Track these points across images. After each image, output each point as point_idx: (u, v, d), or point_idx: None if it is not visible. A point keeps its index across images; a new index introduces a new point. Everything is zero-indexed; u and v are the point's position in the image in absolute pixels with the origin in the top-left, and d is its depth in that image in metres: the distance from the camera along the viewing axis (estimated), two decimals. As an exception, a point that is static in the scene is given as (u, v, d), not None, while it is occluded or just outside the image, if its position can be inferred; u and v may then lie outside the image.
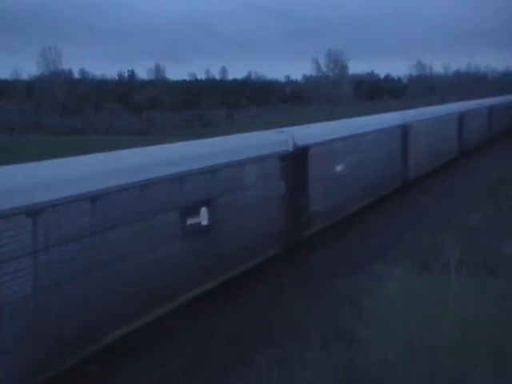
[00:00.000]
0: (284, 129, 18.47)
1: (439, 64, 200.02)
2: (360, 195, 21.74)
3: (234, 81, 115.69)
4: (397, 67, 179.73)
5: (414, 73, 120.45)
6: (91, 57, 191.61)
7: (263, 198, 15.34)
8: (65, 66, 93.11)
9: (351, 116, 28.76)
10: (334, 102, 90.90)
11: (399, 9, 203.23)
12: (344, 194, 20.20)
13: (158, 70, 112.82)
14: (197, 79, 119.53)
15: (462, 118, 37.20)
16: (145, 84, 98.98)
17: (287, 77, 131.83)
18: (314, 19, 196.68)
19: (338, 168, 19.92)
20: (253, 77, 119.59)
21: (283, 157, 16.44)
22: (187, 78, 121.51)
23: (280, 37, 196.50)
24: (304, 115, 64.78)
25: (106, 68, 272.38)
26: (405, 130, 26.31)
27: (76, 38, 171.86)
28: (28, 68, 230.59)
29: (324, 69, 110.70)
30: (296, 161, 16.97)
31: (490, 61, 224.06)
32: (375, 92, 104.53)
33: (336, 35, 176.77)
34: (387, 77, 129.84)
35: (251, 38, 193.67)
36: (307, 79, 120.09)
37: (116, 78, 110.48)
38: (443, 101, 59.28)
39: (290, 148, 16.86)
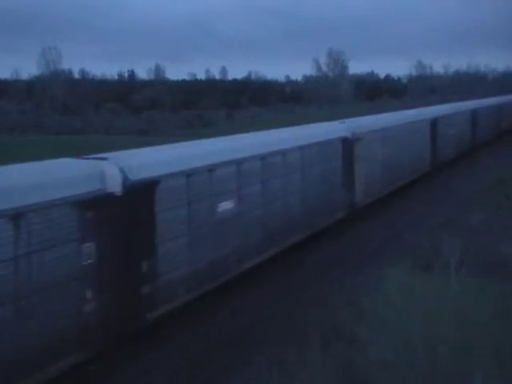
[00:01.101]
0: (113, 154, 12.41)
1: (439, 64, 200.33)
2: (267, 241, 15.60)
3: (234, 81, 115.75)
4: (397, 67, 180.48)
5: (414, 73, 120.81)
6: (91, 57, 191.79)
7: (38, 278, 9.33)
8: (65, 66, 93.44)
9: (350, 116, 28.37)
10: (334, 102, 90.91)
11: (399, 9, 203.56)
12: (235, 244, 14.20)
13: (158, 70, 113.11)
14: (197, 79, 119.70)
15: (435, 124, 31.30)
16: (145, 84, 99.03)
17: (287, 77, 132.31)
18: (314, 19, 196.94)
19: (223, 207, 13.77)
20: (253, 77, 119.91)
21: (96, 202, 10.44)
22: (187, 77, 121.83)
23: (280, 37, 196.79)
24: (304, 115, 64.77)
25: (106, 68, 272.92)
26: (349, 144, 20.59)
27: (76, 37, 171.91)
28: (28, 68, 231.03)
29: (324, 68, 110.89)
30: (130, 206, 11.06)
31: (490, 61, 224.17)
32: (375, 92, 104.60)
33: (336, 35, 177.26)
34: (387, 77, 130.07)
35: (251, 38, 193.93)
36: (307, 79, 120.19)
37: (116, 78, 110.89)
38: (443, 101, 58.76)
39: (116, 186, 10.82)
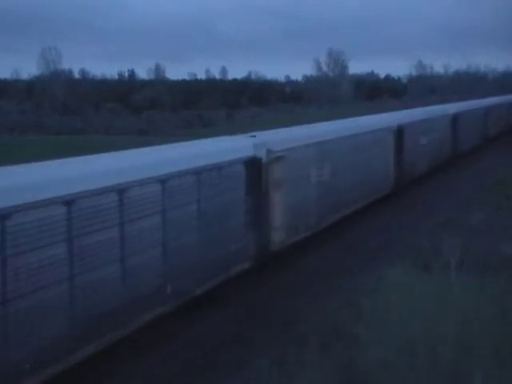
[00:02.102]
0: None
1: (439, 64, 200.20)
2: (81, 334, 10.03)
3: (234, 81, 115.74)
4: (397, 67, 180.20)
5: (414, 73, 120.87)
6: (91, 57, 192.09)
7: None
8: (65, 66, 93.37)
9: (350, 116, 28.08)
10: (334, 102, 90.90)
11: (399, 9, 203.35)
12: None
13: (158, 69, 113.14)
14: (197, 79, 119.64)
15: (401, 133, 25.74)
16: (145, 84, 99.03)
17: (287, 77, 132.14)
18: (314, 19, 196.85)
19: None
20: (253, 77, 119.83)
21: None
22: (187, 77, 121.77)
23: (280, 37, 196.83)
24: (304, 115, 64.79)
25: (106, 68, 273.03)
26: (260, 166, 15.36)
27: (76, 37, 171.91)
28: (28, 68, 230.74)
29: (324, 68, 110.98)
30: None
31: (490, 61, 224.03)
32: (375, 92, 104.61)
33: (336, 35, 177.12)
34: (387, 77, 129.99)
35: (251, 38, 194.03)
36: (307, 79, 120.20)
37: (116, 77, 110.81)
38: (443, 101, 58.50)
39: None
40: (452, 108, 36.27)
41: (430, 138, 29.95)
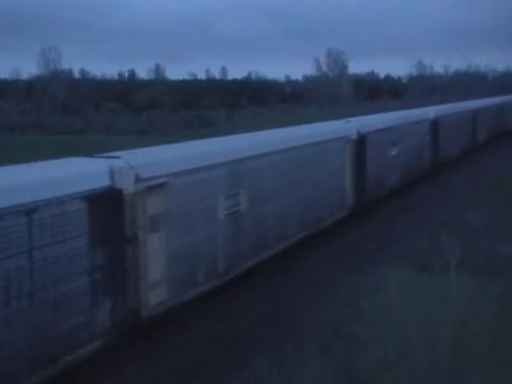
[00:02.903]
0: None
1: (439, 64, 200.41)
2: None
3: (234, 81, 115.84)
4: (397, 67, 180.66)
5: (414, 73, 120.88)
6: (91, 57, 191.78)
7: None
8: (65, 65, 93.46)
9: (350, 116, 27.42)
10: (334, 102, 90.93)
11: (399, 9, 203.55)
12: None
13: (158, 69, 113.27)
14: (197, 79, 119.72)
15: (362, 143, 21.42)
16: (145, 84, 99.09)
17: (287, 77, 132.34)
18: (314, 19, 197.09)
19: None
20: (253, 77, 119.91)
21: None
22: (187, 77, 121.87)
23: (280, 37, 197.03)
24: (304, 115, 64.79)
25: (106, 68, 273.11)
26: (121, 201, 11.01)
27: (76, 37, 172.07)
28: (28, 68, 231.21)
29: (325, 68, 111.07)
30: None
31: (490, 61, 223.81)
32: (375, 92, 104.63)
33: (336, 35, 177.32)
34: (387, 77, 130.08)
35: (251, 38, 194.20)
36: (307, 79, 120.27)
37: (116, 77, 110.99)
38: (443, 101, 58.30)
39: None
40: (432, 111, 31.65)
41: (402, 148, 25.65)
